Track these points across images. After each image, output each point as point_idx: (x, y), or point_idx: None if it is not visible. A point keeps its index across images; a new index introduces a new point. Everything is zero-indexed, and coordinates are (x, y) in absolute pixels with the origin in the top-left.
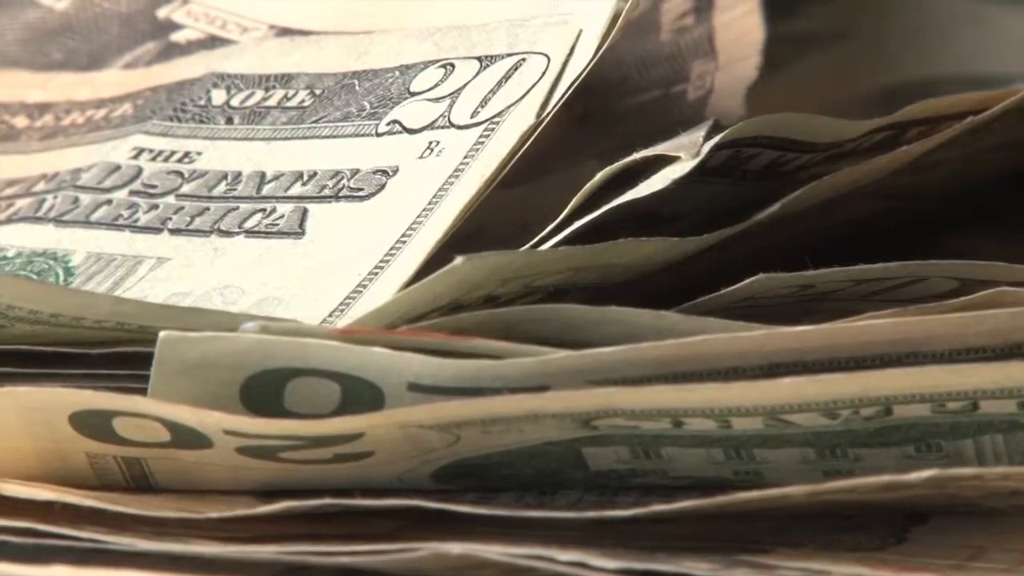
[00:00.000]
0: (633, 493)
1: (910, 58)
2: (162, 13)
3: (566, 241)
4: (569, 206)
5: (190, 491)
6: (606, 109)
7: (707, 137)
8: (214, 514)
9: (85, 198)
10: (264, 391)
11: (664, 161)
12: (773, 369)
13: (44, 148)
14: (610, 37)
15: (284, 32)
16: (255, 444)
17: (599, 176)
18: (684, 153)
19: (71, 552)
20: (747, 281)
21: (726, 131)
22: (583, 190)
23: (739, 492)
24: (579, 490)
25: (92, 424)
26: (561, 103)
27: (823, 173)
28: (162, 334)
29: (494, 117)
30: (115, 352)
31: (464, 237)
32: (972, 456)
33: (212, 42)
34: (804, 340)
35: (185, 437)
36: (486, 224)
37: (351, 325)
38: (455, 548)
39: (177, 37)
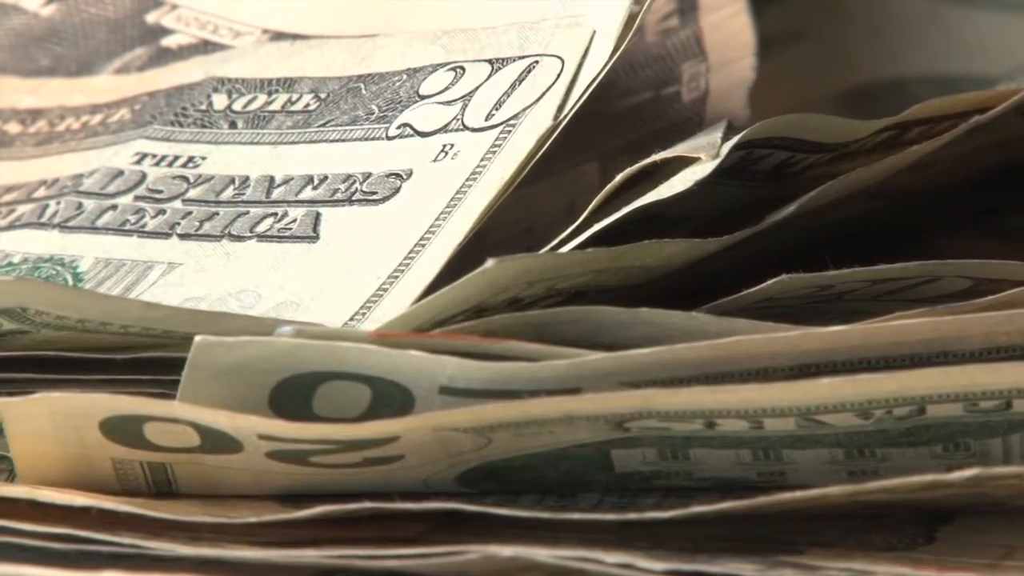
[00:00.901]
0: (654, 495)
1: (873, 58)
2: (151, 18)
3: (587, 243)
4: (589, 208)
5: (211, 496)
6: (602, 111)
7: (724, 138)
8: (251, 518)
9: (89, 204)
10: (293, 395)
11: (680, 162)
12: (804, 370)
13: (40, 154)
14: (626, 39)
15: (279, 36)
16: (287, 448)
17: (619, 178)
18: (704, 154)
19: (113, 557)
20: (771, 282)
21: (744, 132)
22: (603, 192)
23: (782, 493)
24: (599, 492)
25: (122, 429)
26: (578, 105)
27: (825, 173)
28: (198, 338)
29: (510, 120)
30: (139, 357)
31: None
32: (999, 455)
33: (206, 47)
34: (838, 340)
35: (215, 441)
36: (487, 227)
37: (383, 329)
38: (505, 551)
39: (168, 42)
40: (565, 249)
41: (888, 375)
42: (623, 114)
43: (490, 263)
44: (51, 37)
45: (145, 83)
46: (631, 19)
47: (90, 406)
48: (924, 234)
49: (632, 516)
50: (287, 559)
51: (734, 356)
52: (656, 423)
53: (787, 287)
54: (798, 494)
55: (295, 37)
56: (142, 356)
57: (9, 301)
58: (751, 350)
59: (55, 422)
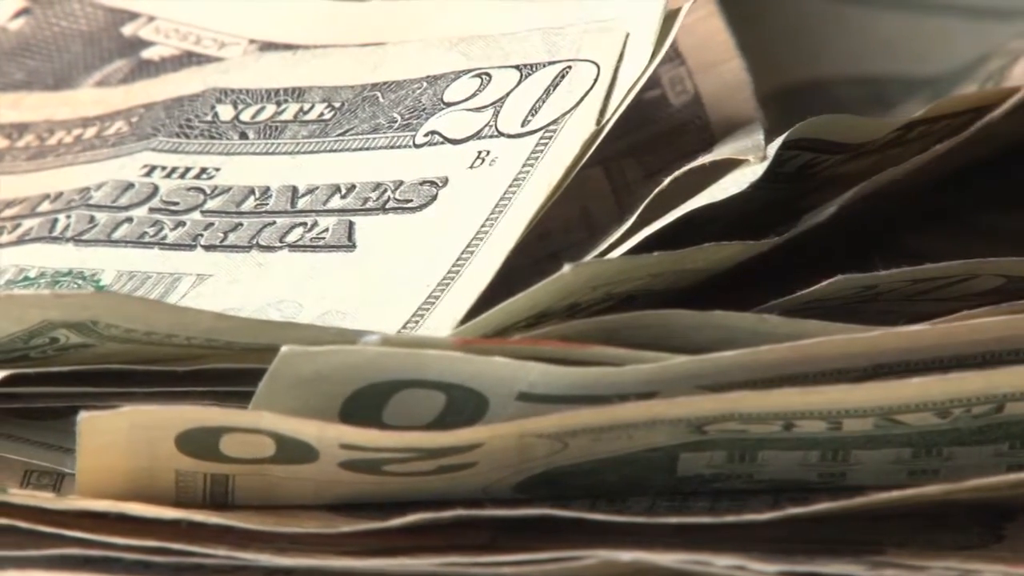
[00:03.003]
0: (705, 498)
1: (790, 60)
2: (128, 30)
3: (639, 246)
4: (637, 212)
5: (267, 507)
6: None
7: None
8: (346, 528)
9: (102, 217)
10: (366, 404)
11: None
12: (878, 370)
13: (36, 168)
14: (666, 41)
15: (268, 46)
16: (364, 457)
17: (667, 181)
18: (751, 156)
19: (209, 570)
20: (826, 282)
21: (787, 133)
22: (651, 195)
23: (879, 492)
24: (651, 496)
25: (198, 441)
26: (622, 109)
27: (834, 174)
28: (284, 348)
29: (549, 125)
30: (203, 369)
31: None
32: None
33: (190, 58)
34: (916, 340)
35: (291, 451)
36: None
37: (463, 335)
38: (625, 555)
39: (149, 54)
40: (617, 253)
41: (976, 373)
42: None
43: (567, 268)
44: (23, 51)
45: (137, 95)
46: (668, 19)
47: (173, 418)
48: (893, 233)
49: (730, 519)
50: (391, 568)
51: (814, 357)
52: (736, 425)
53: (840, 287)
54: (895, 494)
55: (287, 47)
56: (206, 368)
57: (82, 315)
58: (832, 351)
59: (131, 435)
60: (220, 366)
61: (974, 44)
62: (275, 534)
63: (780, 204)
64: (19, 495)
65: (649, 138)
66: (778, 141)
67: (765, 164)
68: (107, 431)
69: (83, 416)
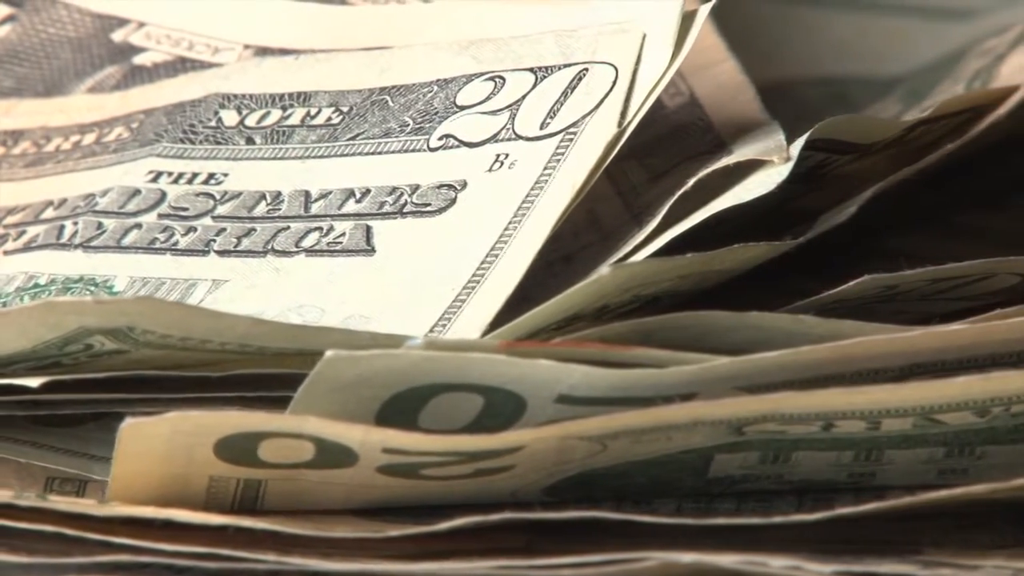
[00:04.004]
0: (730, 499)
1: (751, 62)
2: (118, 36)
3: (664, 248)
4: (662, 213)
5: (295, 512)
6: None
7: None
8: (393, 532)
9: (109, 223)
10: (403, 408)
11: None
12: (914, 369)
13: (35, 175)
14: (686, 42)
15: (264, 51)
16: (404, 461)
17: (692, 182)
18: (775, 157)
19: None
20: (854, 283)
21: (808, 133)
22: (675, 197)
23: (929, 492)
24: (676, 498)
25: (238, 446)
26: (644, 111)
27: (840, 173)
28: (329, 352)
29: (569, 128)
30: (235, 375)
31: None
32: None
33: (184, 63)
34: (954, 339)
35: (330, 456)
36: None
37: (502, 339)
38: (686, 557)
39: (141, 60)
40: (643, 255)
41: (1018, 372)
42: None
43: (605, 270)
44: (11, 58)
45: (135, 101)
46: (686, 19)
47: (215, 424)
48: (876, 233)
49: (778, 519)
50: (445, 571)
51: (854, 357)
52: (775, 426)
53: (864, 287)
54: (943, 493)
55: (284, 52)
56: (240, 373)
57: (120, 320)
58: (872, 350)
59: (171, 441)
60: (252, 371)
61: (932, 44)
62: (319, 539)
63: (776, 206)
64: (62, 502)
65: (649, 140)
66: (800, 141)
67: (790, 165)
68: (148, 437)
69: (128, 422)
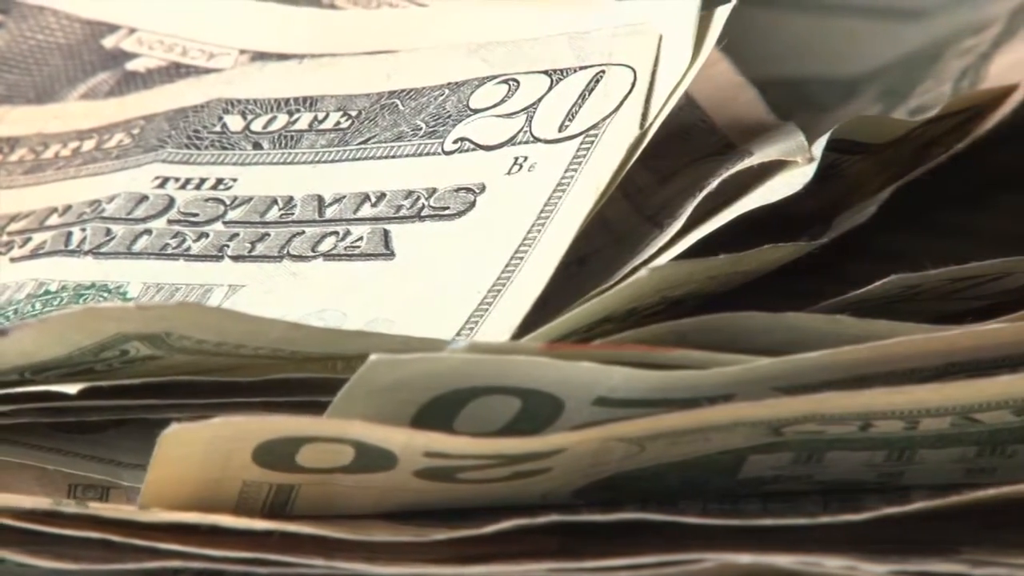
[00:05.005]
0: (755, 500)
1: None
2: (109, 42)
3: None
4: (686, 214)
5: (324, 517)
6: None
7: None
8: (440, 536)
9: (118, 229)
10: (440, 411)
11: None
12: (949, 368)
13: (35, 182)
14: (705, 41)
15: (260, 56)
16: (443, 465)
17: (715, 183)
18: (799, 157)
19: None
20: (881, 282)
21: (828, 133)
22: (699, 197)
23: (973, 491)
24: (702, 499)
25: (276, 451)
26: (666, 112)
27: (844, 173)
28: (372, 356)
29: (589, 130)
30: (268, 380)
31: None
32: None
33: (177, 69)
34: (991, 338)
35: (369, 460)
36: None
37: (544, 341)
38: (744, 558)
39: (134, 66)
40: (666, 257)
41: None
42: None
43: (643, 273)
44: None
45: (132, 107)
46: (704, 19)
47: (256, 429)
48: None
49: (824, 520)
50: (496, 574)
51: (893, 357)
52: (814, 427)
53: (888, 287)
54: (991, 491)
55: (282, 56)
56: (272, 378)
57: (159, 326)
58: (911, 350)
59: (210, 446)
60: (284, 376)
61: (889, 44)
62: (361, 543)
63: (774, 208)
64: (105, 508)
65: (652, 143)
66: (822, 141)
67: (814, 165)
68: (189, 442)
69: (171, 427)
